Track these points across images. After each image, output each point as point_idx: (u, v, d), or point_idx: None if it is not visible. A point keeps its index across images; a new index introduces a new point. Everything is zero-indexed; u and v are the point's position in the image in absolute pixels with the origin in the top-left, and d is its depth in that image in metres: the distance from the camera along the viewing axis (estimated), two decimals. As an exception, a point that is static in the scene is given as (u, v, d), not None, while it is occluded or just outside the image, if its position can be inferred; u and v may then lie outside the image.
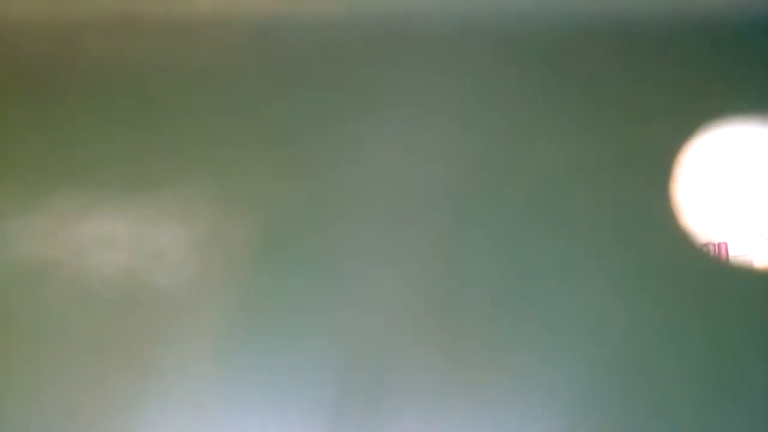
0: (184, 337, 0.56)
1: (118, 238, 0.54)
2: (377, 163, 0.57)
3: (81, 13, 0.50)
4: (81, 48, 0.50)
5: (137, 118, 0.57)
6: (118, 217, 0.54)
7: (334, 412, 0.49)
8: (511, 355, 0.52)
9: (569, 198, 0.56)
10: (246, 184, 0.56)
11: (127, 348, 0.55)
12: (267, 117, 0.57)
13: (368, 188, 0.58)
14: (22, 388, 0.56)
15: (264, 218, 0.57)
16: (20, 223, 0.54)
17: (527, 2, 0.52)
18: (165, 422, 0.54)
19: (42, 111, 0.54)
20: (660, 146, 0.56)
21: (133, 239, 0.55)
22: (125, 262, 0.56)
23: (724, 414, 0.52)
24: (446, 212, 0.56)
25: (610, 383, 0.53)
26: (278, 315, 0.56)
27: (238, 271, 0.54)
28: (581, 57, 0.56)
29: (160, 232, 0.56)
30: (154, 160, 0.58)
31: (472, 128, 0.57)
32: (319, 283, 0.55)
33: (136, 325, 0.55)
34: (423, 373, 0.53)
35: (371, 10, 0.53)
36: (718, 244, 0.53)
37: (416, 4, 0.55)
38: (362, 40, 0.57)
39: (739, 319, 0.53)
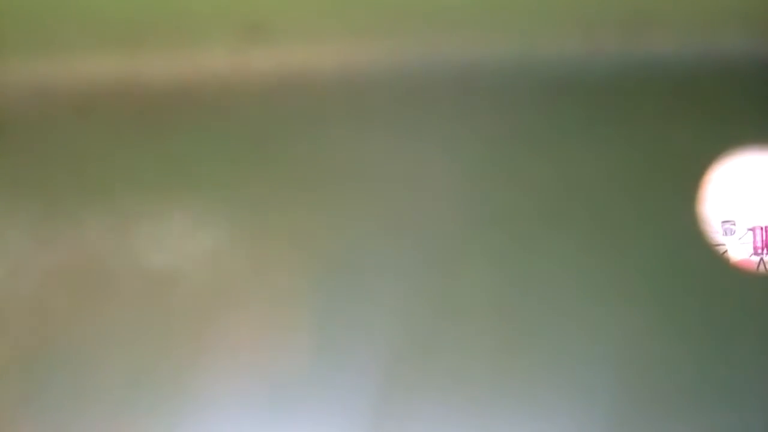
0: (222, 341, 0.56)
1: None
2: (387, 175, 0.58)
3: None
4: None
5: (242, 146, 0.60)
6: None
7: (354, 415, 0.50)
8: (517, 358, 0.53)
9: (578, 207, 0.58)
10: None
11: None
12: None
13: (379, 200, 0.58)
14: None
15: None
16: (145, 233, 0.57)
17: (554, 48, 0.53)
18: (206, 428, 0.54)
19: (161, 139, 0.58)
20: (679, 166, 0.57)
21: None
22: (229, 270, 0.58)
23: (731, 415, 0.53)
24: (453, 213, 0.57)
25: (615, 387, 0.53)
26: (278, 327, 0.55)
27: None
28: (607, 94, 0.57)
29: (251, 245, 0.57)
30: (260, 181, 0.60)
31: (485, 134, 0.58)
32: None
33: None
34: (428, 376, 0.53)
35: (370, 65, 0.55)
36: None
37: (412, 57, 0.57)
38: (361, 91, 0.60)
39: (749, 323, 0.53)
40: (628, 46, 0.57)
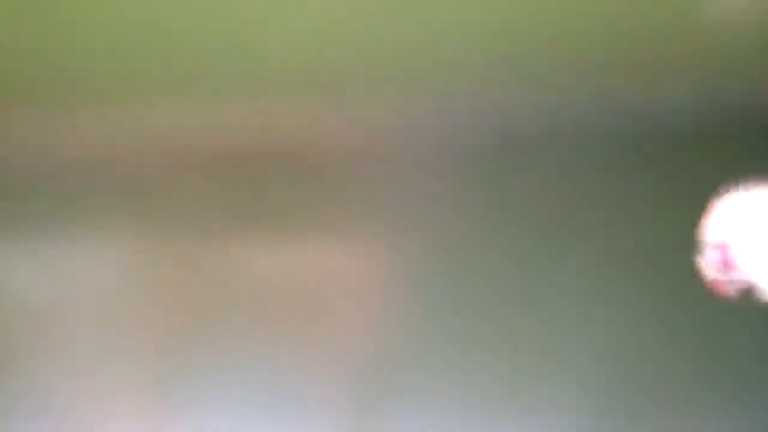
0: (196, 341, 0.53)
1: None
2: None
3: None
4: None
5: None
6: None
7: (335, 415, 0.49)
8: (518, 359, 0.53)
9: (578, 211, 0.58)
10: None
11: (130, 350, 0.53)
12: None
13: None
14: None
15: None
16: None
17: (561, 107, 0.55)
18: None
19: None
20: (678, 182, 0.57)
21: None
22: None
23: (729, 415, 0.53)
24: (453, 215, 0.56)
25: (615, 387, 0.53)
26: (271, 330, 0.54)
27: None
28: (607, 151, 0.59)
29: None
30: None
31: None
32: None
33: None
34: (425, 378, 0.53)
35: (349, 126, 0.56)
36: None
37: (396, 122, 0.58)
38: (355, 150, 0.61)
39: (747, 323, 0.54)
40: (634, 95, 0.58)
